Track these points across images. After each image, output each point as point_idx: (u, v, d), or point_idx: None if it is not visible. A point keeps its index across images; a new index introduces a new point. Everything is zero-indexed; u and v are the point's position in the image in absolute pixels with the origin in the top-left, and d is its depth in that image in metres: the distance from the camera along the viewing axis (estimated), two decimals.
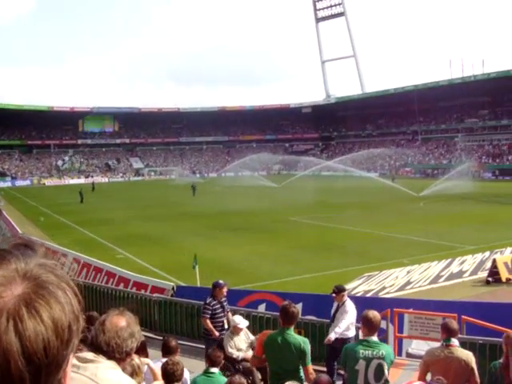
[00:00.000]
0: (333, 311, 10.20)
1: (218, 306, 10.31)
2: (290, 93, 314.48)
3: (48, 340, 0.87)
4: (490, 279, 19.24)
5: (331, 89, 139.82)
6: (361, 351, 6.11)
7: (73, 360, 1.03)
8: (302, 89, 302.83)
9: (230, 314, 10.58)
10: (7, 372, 0.83)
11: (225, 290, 10.43)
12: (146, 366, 5.69)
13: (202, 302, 13.22)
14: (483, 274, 19.98)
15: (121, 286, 16.46)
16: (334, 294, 10.03)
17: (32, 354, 0.85)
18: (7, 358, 0.83)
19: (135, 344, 2.68)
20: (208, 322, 10.20)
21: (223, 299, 10.49)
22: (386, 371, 6.18)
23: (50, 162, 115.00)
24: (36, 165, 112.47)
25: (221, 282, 10.57)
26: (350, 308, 9.86)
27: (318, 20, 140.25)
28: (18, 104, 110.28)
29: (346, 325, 9.77)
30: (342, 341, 9.60)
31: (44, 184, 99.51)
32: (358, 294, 16.40)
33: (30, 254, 0.99)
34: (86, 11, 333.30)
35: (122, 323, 2.71)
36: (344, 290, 10.17)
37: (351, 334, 10.00)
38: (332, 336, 9.50)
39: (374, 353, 6.12)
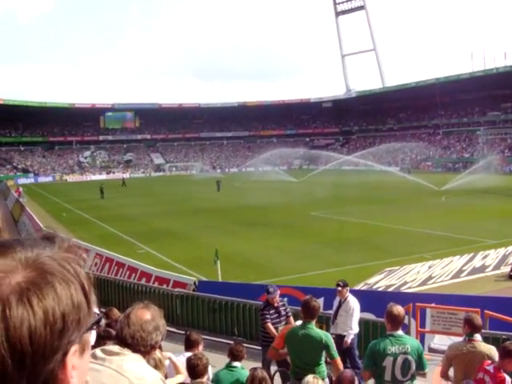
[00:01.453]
0: (335, 307, 10.10)
1: (273, 311, 9.42)
2: (310, 87, 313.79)
3: (35, 328, 0.88)
4: None
5: (352, 83, 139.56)
6: (388, 347, 6.05)
7: (88, 352, 1.05)
8: (322, 83, 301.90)
9: (291, 319, 9.63)
10: None
11: (276, 297, 9.43)
12: (167, 360, 5.74)
13: (223, 297, 13.32)
14: (506, 269, 19.81)
15: (143, 281, 16.60)
16: (339, 288, 9.94)
17: (15, 340, 0.85)
18: None
19: (160, 337, 2.70)
20: (270, 326, 9.28)
21: (280, 304, 9.57)
22: (413, 366, 6.15)
23: (72, 159, 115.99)
24: (58, 161, 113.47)
25: (270, 288, 9.56)
26: (355, 304, 9.78)
27: (337, 14, 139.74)
28: (40, 101, 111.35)
29: (357, 322, 9.72)
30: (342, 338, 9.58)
31: (66, 180, 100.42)
32: (380, 289, 16.37)
33: (44, 246, 1.01)
34: (105, 8, 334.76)
35: (146, 316, 2.73)
36: (348, 285, 10.09)
37: (355, 330, 9.95)
38: (349, 339, 9.43)
39: (400, 348, 6.09)
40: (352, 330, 9.58)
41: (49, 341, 0.89)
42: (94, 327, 1.09)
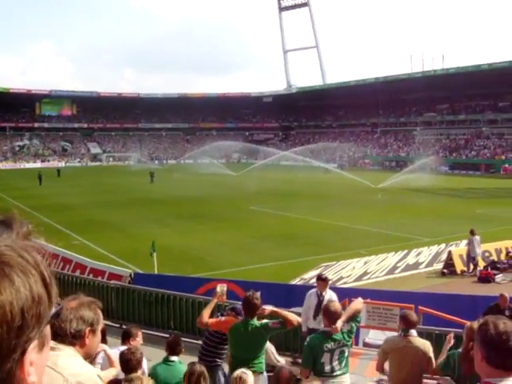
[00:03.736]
0: (315, 302, 9.91)
1: None
2: (252, 82, 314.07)
3: None
4: (445, 271, 19.59)
5: (293, 79, 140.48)
6: (324, 345, 6.12)
7: (47, 347, 0.95)
8: (264, 78, 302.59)
9: None
10: None
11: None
12: (102, 352, 5.63)
13: (160, 290, 13.13)
14: (438, 266, 20.35)
15: (77, 273, 16.26)
16: (320, 282, 9.90)
17: None
18: None
19: (84, 327, 2.54)
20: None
21: None
22: (346, 353, 6.33)
23: (6, 145, 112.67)
24: None
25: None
26: (335, 298, 9.53)
27: (281, 9, 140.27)
28: None
29: None
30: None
31: None
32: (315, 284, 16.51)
33: (1, 232, 0.95)
34: None
35: (70, 306, 2.60)
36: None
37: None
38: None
39: (336, 343, 6.16)
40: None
41: (6, 340, 0.83)
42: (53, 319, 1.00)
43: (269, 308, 6.77)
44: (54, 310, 0.99)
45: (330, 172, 72.20)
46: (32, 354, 0.89)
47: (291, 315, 6.65)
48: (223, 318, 7.09)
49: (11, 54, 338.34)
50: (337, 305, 6.55)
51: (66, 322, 2.48)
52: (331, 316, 6.28)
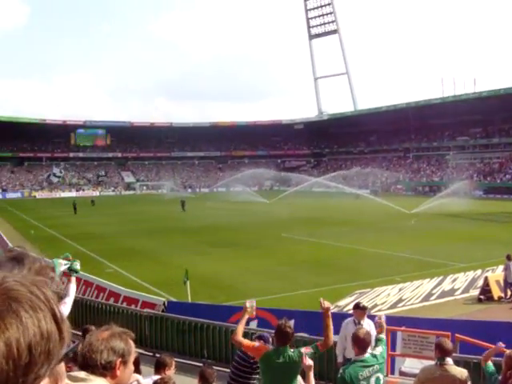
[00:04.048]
0: (352, 332, 9.58)
1: None
2: (282, 109, 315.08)
3: None
4: (482, 297, 19.23)
5: (324, 105, 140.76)
6: (359, 374, 6.04)
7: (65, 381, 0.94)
8: (294, 105, 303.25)
9: None
10: None
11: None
12: (135, 382, 5.63)
13: (193, 318, 13.12)
14: (475, 292, 19.97)
15: (111, 301, 16.34)
16: (360, 310, 9.68)
17: None
18: None
19: (115, 358, 2.53)
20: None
21: None
22: (382, 379, 6.25)
23: (42, 175, 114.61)
24: (27, 177, 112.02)
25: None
26: (373, 326, 9.19)
27: (311, 37, 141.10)
28: (10, 116, 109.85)
29: None
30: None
31: (35, 197, 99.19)
32: (350, 311, 16.32)
33: (12, 267, 0.93)
34: (77, 26, 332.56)
35: (102, 336, 2.61)
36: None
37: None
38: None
39: (371, 369, 6.09)
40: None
41: (12, 378, 0.80)
42: (70, 355, 0.98)
43: (328, 304, 6.84)
44: (71, 346, 0.96)
45: (361, 198, 71.89)
46: None
47: (331, 333, 6.62)
48: (257, 344, 7.03)
49: (47, 85, 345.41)
50: (365, 331, 6.55)
51: (97, 352, 2.49)
52: (361, 343, 6.24)
